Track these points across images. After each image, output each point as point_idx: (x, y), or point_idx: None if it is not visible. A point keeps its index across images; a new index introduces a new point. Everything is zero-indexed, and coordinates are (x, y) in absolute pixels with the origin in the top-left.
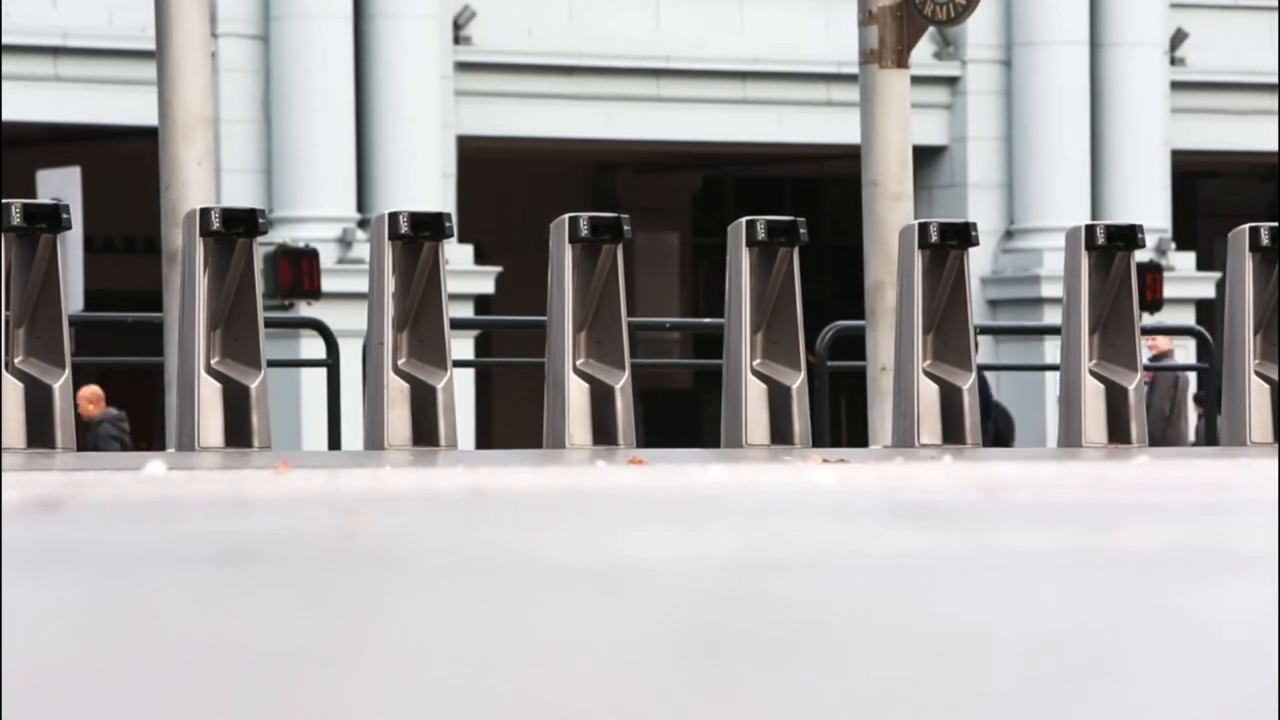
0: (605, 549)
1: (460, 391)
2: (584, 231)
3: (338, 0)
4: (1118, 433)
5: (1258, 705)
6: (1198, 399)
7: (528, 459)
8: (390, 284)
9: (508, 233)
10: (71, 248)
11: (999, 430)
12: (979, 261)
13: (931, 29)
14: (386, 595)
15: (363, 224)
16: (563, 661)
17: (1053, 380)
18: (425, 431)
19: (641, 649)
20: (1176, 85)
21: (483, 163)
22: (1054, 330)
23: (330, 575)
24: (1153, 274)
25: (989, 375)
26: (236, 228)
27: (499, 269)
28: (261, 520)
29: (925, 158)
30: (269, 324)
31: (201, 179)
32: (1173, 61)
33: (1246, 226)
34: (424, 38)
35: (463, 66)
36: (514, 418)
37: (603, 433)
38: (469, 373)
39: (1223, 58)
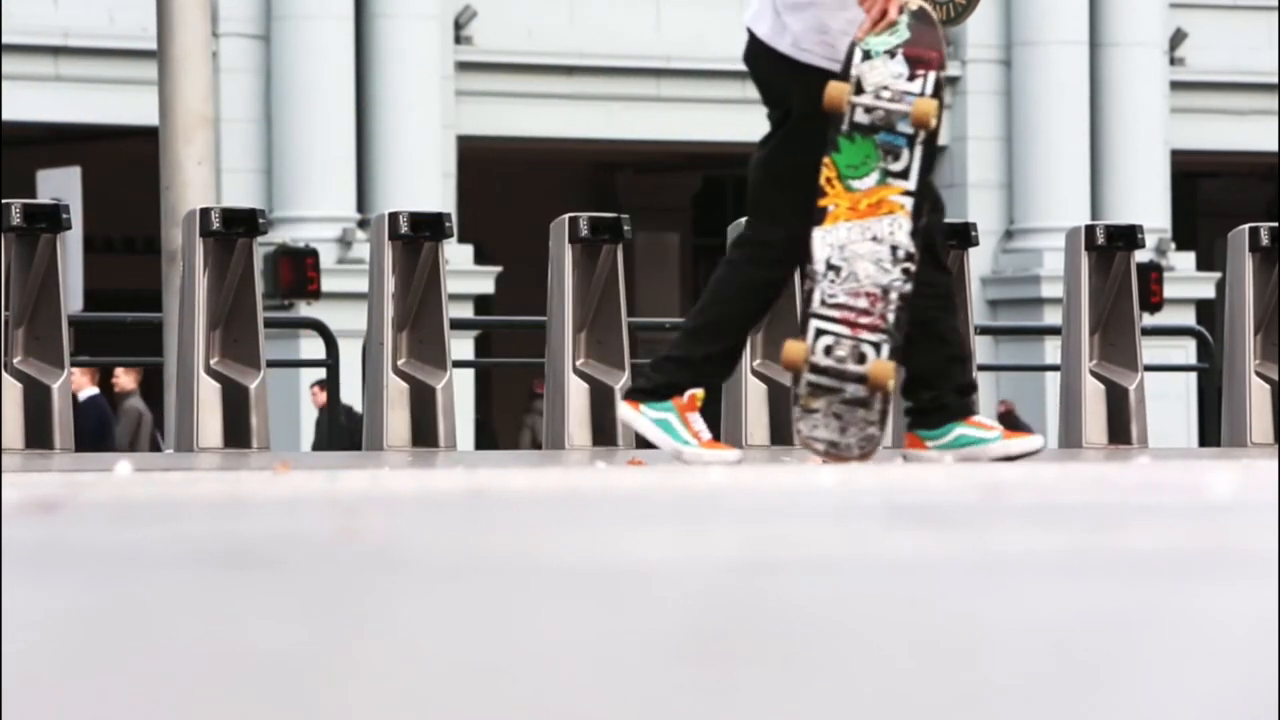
0: (605, 550)
1: (460, 392)
2: (584, 231)
3: (338, 0)
4: (1118, 433)
5: (1259, 707)
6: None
7: (527, 460)
8: (390, 284)
9: (508, 233)
10: (71, 248)
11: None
12: (979, 261)
13: None
14: (386, 596)
15: (363, 224)
16: (563, 663)
17: (1053, 380)
18: (425, 432)
19: (641, 650)
20: (1176, 85)
21: (483, 163)
22: (1054, 330)
23: (329, 576)
24: (1153, 274)
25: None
26: (236, 228)
27: (499, 269)
28: (260, 521)
29: None
30: (269, 324)
31: (201, 179)
32: (1172, 61)
33: (1246, 226)
34: (424, 38)
35: (463, 66)
36: (514, 418)
37: (602, 433)
38: (469, 373)
39: (1222, 58)
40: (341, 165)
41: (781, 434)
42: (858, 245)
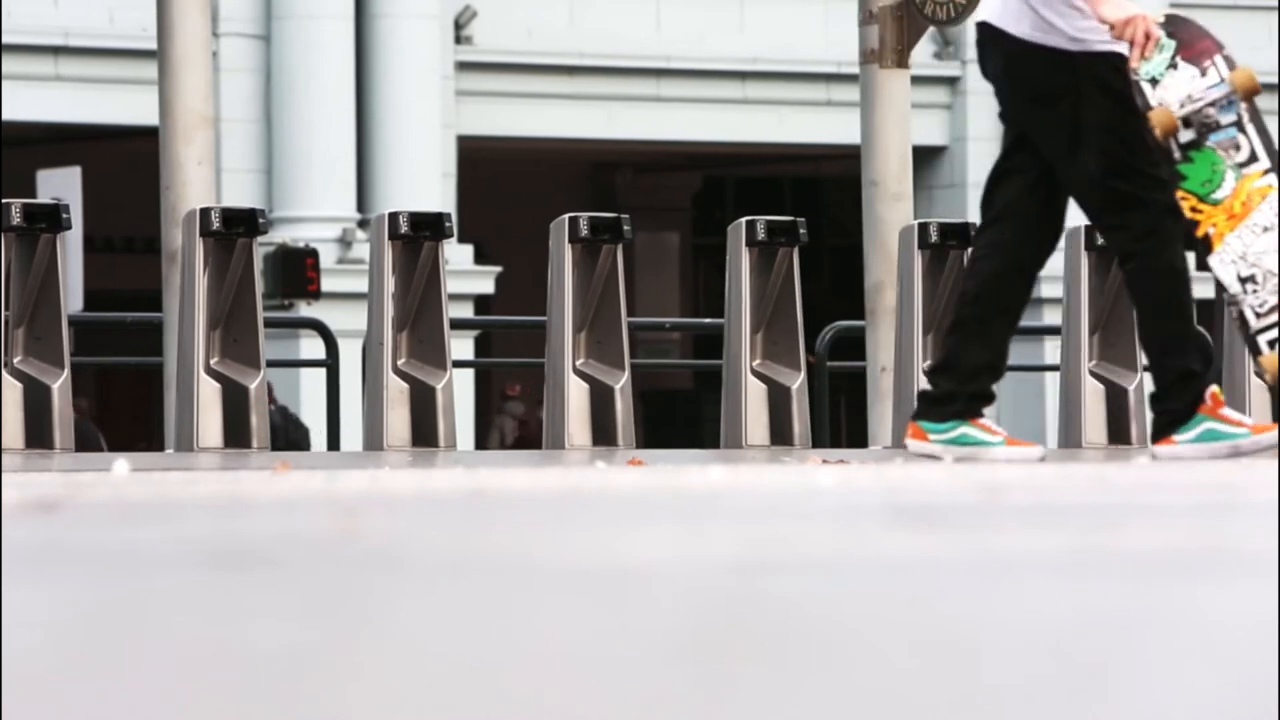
0: (605, 550)
1: (460, 392)
2: (584, 231)
3: (338, 0)
4: (1118, 434)
5: (1259, 707)
6: None
7: (527, 460)
8: (390, 284)
9: (508, 233)
10: (71, 248)
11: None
12: None
13: (931, 29)
14: (386, 596)
15: (363, 224)
16: (563, 663)
17: (1052, 380)
18: (425, 432)
19: (641, 650)
20: None
21: (483, 163)
22: (1053, 330)
23: (329, 576)
24: None
25: None
26: (236, 228)
27: (499, 269)
28: (260, 521)
29: (925, 158)
30: (269, 324)
31: (201, 179)
32: None
33: None
34: (424, 37)
35: (463, 66)
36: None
37: (602, 433)
38: (469, 373)
39: None
40: (341, 165)
41: (781, 434)
42: (1255, 244)
